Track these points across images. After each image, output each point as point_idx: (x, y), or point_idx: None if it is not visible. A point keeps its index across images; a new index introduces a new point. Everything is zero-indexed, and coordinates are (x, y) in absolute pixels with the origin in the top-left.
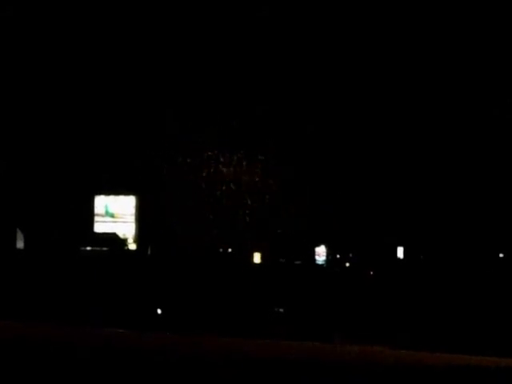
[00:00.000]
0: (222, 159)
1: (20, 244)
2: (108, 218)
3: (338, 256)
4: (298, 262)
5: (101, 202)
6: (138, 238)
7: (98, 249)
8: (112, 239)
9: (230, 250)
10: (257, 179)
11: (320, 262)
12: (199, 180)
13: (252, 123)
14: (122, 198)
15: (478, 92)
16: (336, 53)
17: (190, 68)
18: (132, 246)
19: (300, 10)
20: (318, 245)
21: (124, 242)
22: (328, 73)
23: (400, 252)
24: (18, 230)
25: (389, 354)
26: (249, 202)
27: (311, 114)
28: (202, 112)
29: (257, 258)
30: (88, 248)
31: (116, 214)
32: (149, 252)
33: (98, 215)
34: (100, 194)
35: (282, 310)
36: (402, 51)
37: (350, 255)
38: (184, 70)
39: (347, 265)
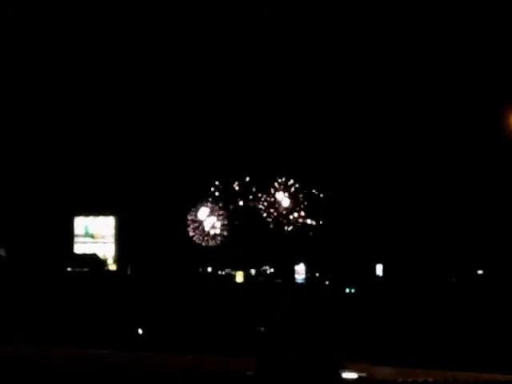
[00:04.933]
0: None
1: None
2: (88, 239)
3: (317, 274)
4: (278, 281)
5: (80, 223)
6: (118, 259)
7: (78, 269)
8: (92, 260)
9: (209, 269)
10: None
11: (300, 281)
12: (179, 200)
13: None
14: (101, 218)
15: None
16: (335, 53)
17: (188, 68)
18: (112, 267)
19: (300, 10)
20: (298, 263)
21: (104, 262)
22: (328, 73)
23: (379, 269)
24: None
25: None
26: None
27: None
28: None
29: (239, 277)
30: (68, 269)
31: (96, 235)
32: (129, 272)
33: (77, 236)
34: (79, 214)
35: (262, 328)
36: (401, 52)
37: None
38: (183, 71)
39: (327, 283)
